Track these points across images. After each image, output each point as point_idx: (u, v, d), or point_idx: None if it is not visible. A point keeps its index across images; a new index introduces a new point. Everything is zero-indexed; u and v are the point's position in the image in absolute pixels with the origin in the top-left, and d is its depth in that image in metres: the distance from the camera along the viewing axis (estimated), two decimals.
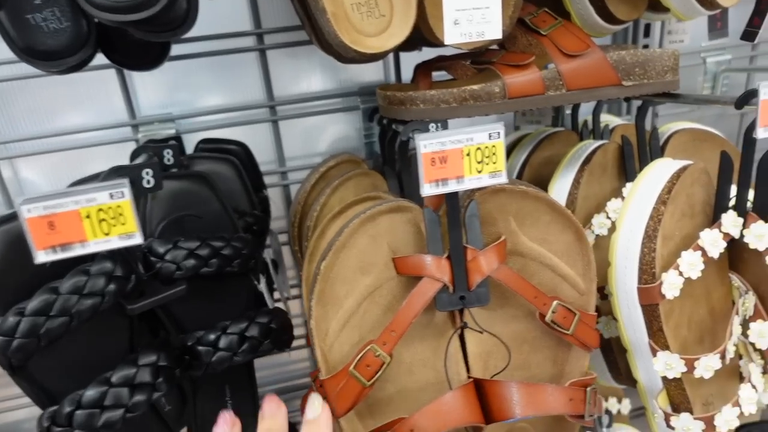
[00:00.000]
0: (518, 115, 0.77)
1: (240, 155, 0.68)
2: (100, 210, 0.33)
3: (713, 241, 0.47)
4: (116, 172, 0.45)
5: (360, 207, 0.53)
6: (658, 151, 0.60)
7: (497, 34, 0.42)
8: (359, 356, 0.41)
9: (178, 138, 0.64)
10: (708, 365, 0.46)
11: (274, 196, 0.75)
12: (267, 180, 0.74)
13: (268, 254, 0.71)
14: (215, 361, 0.48)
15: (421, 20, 0.47)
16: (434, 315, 0.45)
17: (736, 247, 0.50)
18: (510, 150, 0.70)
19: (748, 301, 0.49)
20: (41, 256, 0.33)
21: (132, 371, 0.45)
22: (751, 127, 0.43)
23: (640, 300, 0.48)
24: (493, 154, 0.38)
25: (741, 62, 0.83)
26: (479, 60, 0.51)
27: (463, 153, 0.37)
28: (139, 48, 0.57)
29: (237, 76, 0.71)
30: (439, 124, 0.50)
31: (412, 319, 0.42)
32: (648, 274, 0.47)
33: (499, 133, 0.37)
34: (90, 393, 0.43)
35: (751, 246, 0.47)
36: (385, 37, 0.46)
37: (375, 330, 0.43)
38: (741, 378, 0.52)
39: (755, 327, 0.48)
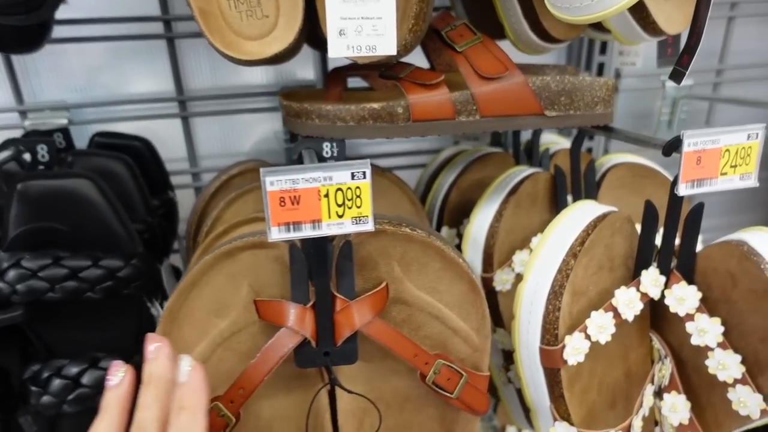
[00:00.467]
0: None
1: (141, 152, 0.62)
2: None
3: (629, 302, 0.42)
4: None
5: (246, 228, 0.47)
6: (594, 185, 0.54)
7: (391, 49, 0.36)
8: None
9: (65, 130, 0.57)
10: None
11: (186, 198, 0.68)
12: (178, 180, 0.67)
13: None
14: (42, 404, 0.42)
15: (318, 25, 0.40)
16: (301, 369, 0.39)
17: (658, 304, 0.44)
18: (441, 168, 0.64)
19: (664, 369, 0.44)
20: None
21: None
22: (675, 182, 0.37)
23: (542, 361, 0.42)
24: (358, 196, 0.32)
25: (703, 88, 0.78)
26: (386, 74, 0.45)
27: (320, 194, 0.31)
28: (10, 29, 0.50)
29: (146, 65, 0.64)
30: (334, 143, 0.44)
31: (264, 377, 0.36)
32: (551, 334, 0.41)
33: (364, 173, 0.31)
34: None
35: (672, 309, 0.42)
36: (267, 41, 0.39)
37: (229, 383, 0.37)
38: None
39: (669, 399, 0.43)
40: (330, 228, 0.32)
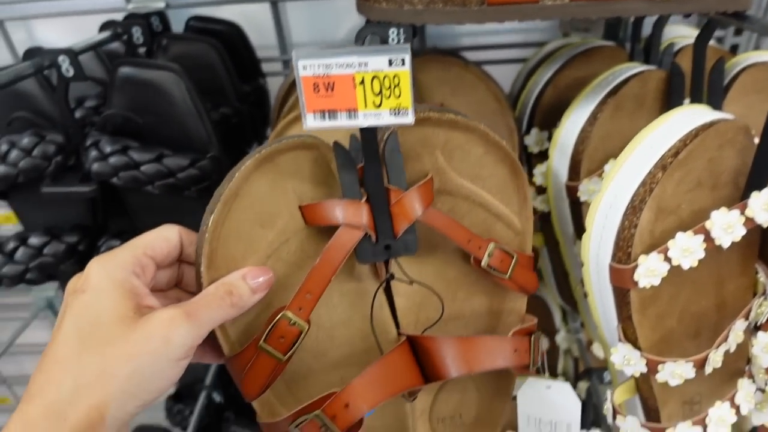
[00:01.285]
0: (564, 20, 0.62)
1: (233, 37, 0.63)
2: None
3: (727, 226, 0.35)
4: (32, 55, 0.43)
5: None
6: (719, 89, 0.45)
7: None
8: (270, 327, 0.34)
9: (162, 13, 0.59)
10: (675, 372, 0.37)
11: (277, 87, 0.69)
12: (270, 68, 0.68)
13: None
14: None
15: None
16: (354, 268, 0.39)
17: None
18: (540, 64, 0.57)
19: (765, 305, 0.38)
20: None
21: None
22: None
23: (612, 280, 0.38)
24: (397, 86, 0.29)
25: None
26: None
27: (355, 81, 0.29)
28: None
29: None
30: (401, 29, 0.40)
31: (331, 277, 0.34)
32: (623, 252, 0.37)
33: (403, 60, 0.28)
34: (33, 240, 0.49)
35: None
36: None
37: (285, 293, 0.36)
38: None
39: (762, 338, 0.38)
40: (366, 118, 0.30)
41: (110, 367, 0.28)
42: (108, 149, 0.46)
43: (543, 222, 0.58)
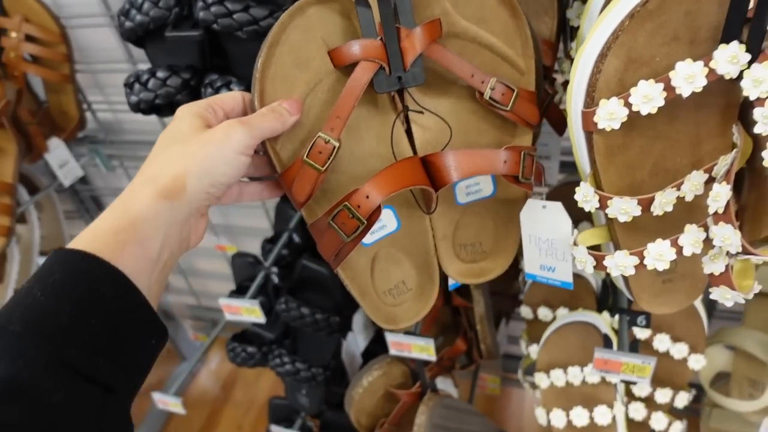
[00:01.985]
0: None
1: None
2: None
3: (689, 77, 0.39)
4: None
5: None
6: None
7: None
8: (311, 145, 0.42)
9: None
10: (622, 208, 0.43)
11: None
12: None
13: None
14: None
15: None
16: (377, 104, 0.48)
17: None
18: None
19: (726, 159, 0.41)
20: None
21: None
22: None
23: (583, 125, 0.44)
24: None
25: None
26: None
27: None
28: None
29: None
30: None
31: (355, 102, 0.42)
32: (590, 97, 0.42)
33: None
34: (161, 73, 0.65)
35: (744, 92, 0.38)
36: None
37: (320, 124, 0.44)
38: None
39: (715, 188, 0.41)
40: None
41: (189, 150, 0.38)
42: (210, 0, 0.59)
43: None
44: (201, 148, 0.38)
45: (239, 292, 0.95)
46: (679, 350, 0.75)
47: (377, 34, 0.44)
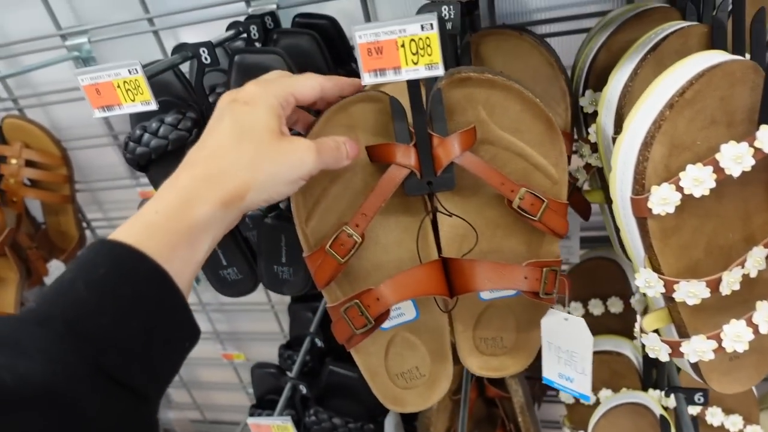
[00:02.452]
0: None
1: (329, 29, 0.75)
2: (125, 82, 0.45)
3: (736, 157, 0.40)
4: (180, 49, 0.57)
5: None
6: (762, 41, 0.48)
7: None
8: (334, 236, 0.45)
9: (273, 13, 0.73)
10: (690, 291, 0.42)
11: None
12: None
13: None
14: None
15: None
16: (410, 201, 0.49)
17: None
18: (598, 30, 0.62)
19: None
20: (96, 113, 0.47)
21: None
22: None
23: (633, 211, 0.44)
24: (428, 45, 0.38)
25: None
26: None
27: (397, 44, 0.38)
28: None
29: None
30: (451, 6, 0.49)
31: (382, 203, 0.44)
32: (639, 184, 0.42)
33: (432, 24, 0.37)
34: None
35: None
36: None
37: (350, 213, 0.46)
38: None
39: None
40: (408, 73, 0.39)
41: (260, 161, 0.36)
42: None
43: (602, 179, 0.62)
44: (271, 163, 0.37)
45: (260, 406, 0.89)
46: (734, 423, 0.72)
47: (411, 139, 0.45)
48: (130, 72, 0.45)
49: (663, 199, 0.41)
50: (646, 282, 0.44)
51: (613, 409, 0.72)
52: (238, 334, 1.32)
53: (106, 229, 1.19)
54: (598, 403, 0.79)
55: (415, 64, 0.39)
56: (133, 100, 0.46)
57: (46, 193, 1.02)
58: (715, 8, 0.53)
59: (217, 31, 0.78)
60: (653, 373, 0.75)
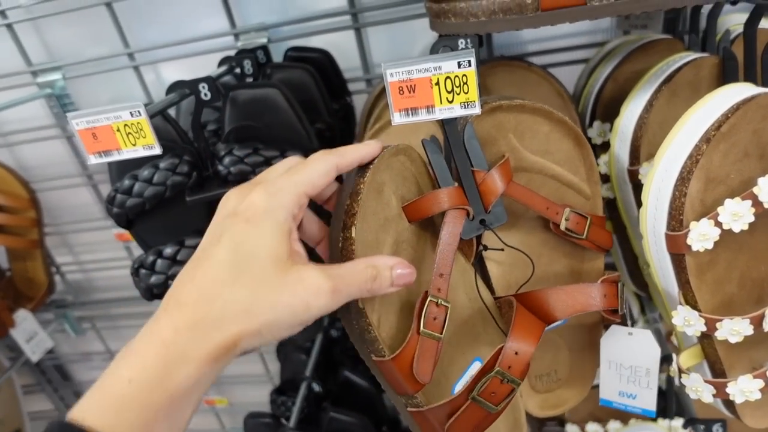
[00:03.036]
0: (621, 19, 0.66)
1: (323, 63, 0.72)
2: (126, 125, 0.41)
3: None
4: (177, 87, 0.53)
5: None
6: None
7: None
8: (423, 312, 0.37)
9: (265, 47, 0.70)
10: (734, 329, 0.41)
11: (362, 103, 0.78)
12: (355, 87, 0.77)
13: None
14: None
15: None
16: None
17: None
18: (601, 61, 0.62)
19: None
20: (92, 159, 0.43)
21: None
22: None
23: (668, 248, 0.43)
24: (465, 83, 0.36)
25: None
26: None
27: (431, 82, 0.36)
28: None
29: None
30: (468, 40, 0.47)
31: (453, 255, 0.39)
32: (676, 220, 0.41)
33: (469, 61, 0.35)
34: (168, 250, 0.57)
35: None
36: None
37: (412, 288, 0.39)
38: None
39: None
40: (442, 112, 0.37)
41: (256, 308, 0.30)
42: (242, 153, 0.56)
43: (610, 209, 0.62)
44: (271, 308, 0.30)
45: None
46: None
47: (453, 181, 0.42)
48: (132, 114, 0.41)
49: (702, 235, 0.40)
50: (685, 320, 0.43)
51: None
52: (221, 378, 1.25)
53: (77, 273, 1.12)
54: None
55: (450, 102, 0.37)
56: (134, 145, 0.42)
57: (13, 239, 0.95)
58: (718, 39, 0.54)
59: (201, 66, 0.76)
60: (662, 404, 0.74)
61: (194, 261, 0.32)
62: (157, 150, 0.42)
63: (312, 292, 0.31)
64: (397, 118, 0.38)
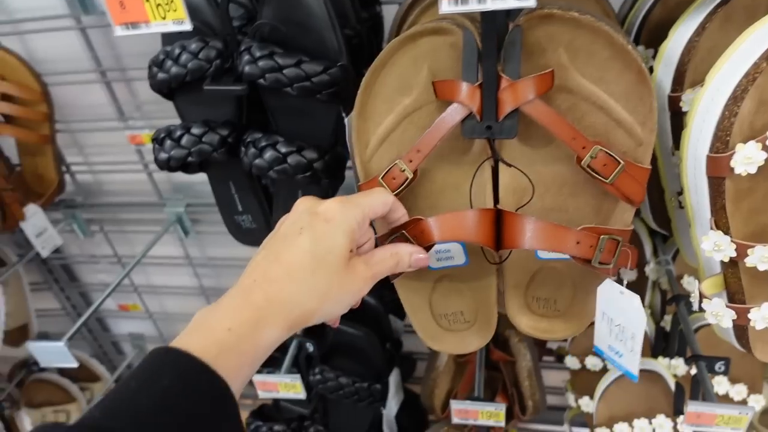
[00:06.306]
0: None
1: None
2: None
3: None
4: None
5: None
6: None
7: None
8: (387, 169, 0.45)
9: None
10: (765, 257, 0.40)
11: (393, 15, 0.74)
12: None
13: None
14: (256, 165, 0.56)
15: None
16: (473, 144, 0.46)
17: None
18: None
19: None
20: (119, 31, 0.41)
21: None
22: None
23: (708, 170, 0.41)
24: None
25: None
26: None
27: None
28: None
29: None
30: None
31: (437, 141, 0.43)
32: (721, 141, 0.40)
33: None
34: (196, 129, 0.59)
35: None
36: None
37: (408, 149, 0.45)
38: None
39: None
40: (494, 2, 0.35)
41: (331, 290, 0.38)
42: (258, 54, 0.53)
43: None
44: (338, 294, 0.39)
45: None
46: (739, 392, 0.73)
47: (477, 78, 0.41)
48: None
49: (747, 158, 0.39)
50: (715, 245, 0.42)
51: (624, 375, 0.72)
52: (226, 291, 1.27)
53: (87, 174, 1.11)
54: (605, 369, 0.79)
55: None
56: (163, 18, 0.41)
57: (24, 131, 0.94)
58: None
59: None
60: (662, 342, 0.75)
61: (276, 242, 0.39)
62: (188, 26, 0.40)
63: (361, 279, 0.40)
64: (445, 6, 0.36)
